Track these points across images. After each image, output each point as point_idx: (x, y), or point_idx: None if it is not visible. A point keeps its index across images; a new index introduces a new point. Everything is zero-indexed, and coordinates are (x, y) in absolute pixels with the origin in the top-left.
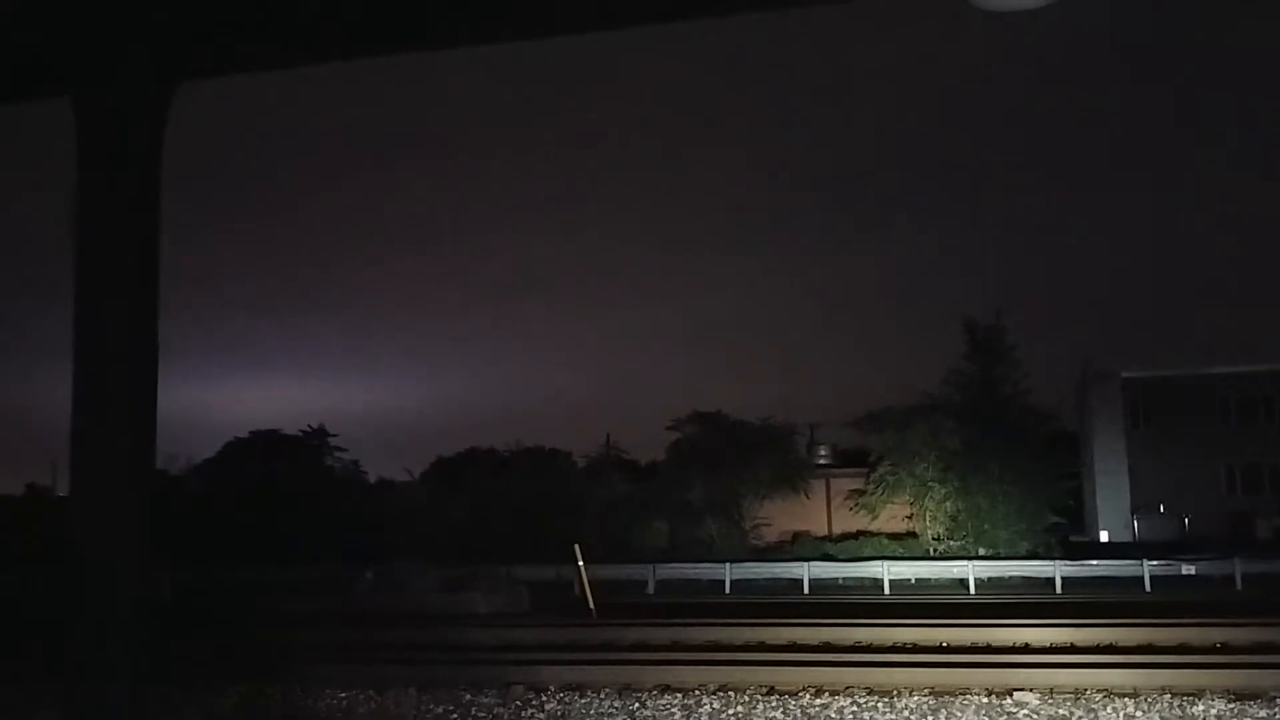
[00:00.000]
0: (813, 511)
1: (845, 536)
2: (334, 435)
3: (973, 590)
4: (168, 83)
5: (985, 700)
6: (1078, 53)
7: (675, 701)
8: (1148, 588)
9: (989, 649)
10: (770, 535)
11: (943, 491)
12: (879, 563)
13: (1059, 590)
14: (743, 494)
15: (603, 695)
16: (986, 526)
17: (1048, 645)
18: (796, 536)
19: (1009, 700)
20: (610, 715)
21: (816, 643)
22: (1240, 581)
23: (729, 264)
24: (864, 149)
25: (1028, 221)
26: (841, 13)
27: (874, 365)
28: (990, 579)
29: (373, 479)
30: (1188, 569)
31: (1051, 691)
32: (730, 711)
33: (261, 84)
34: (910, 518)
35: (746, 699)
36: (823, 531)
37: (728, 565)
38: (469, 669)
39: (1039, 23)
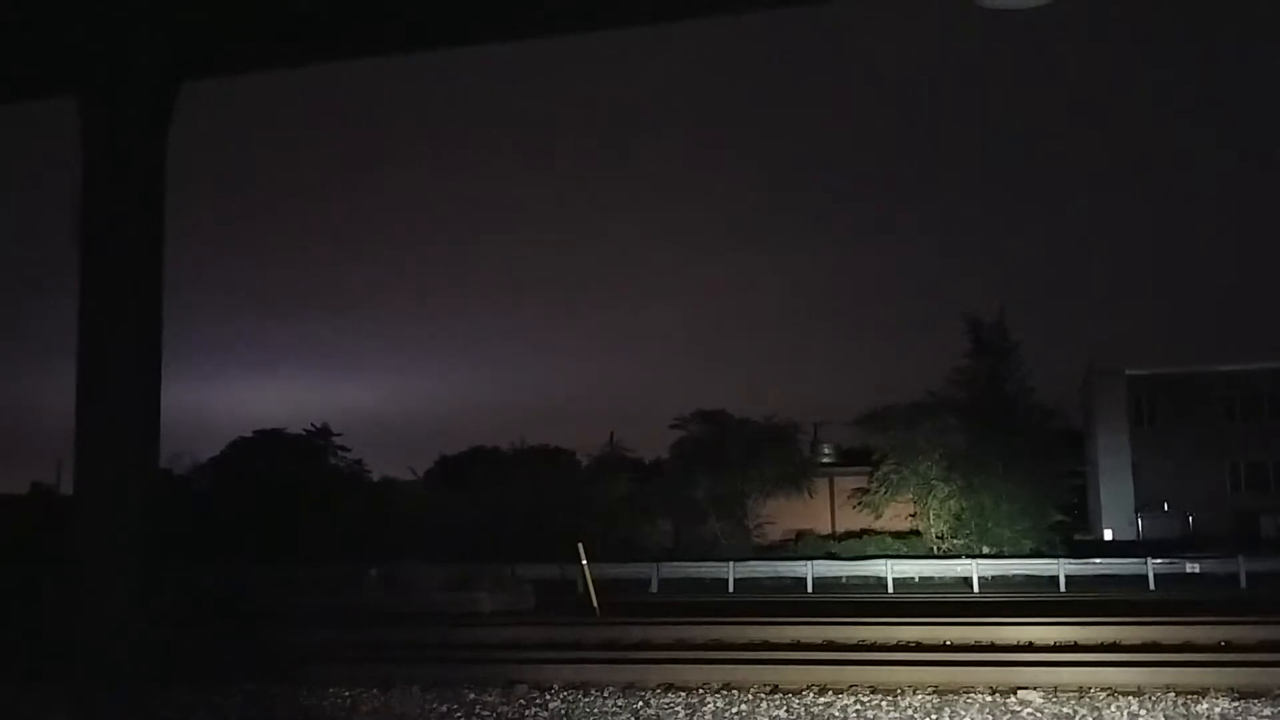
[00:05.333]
0: (816, 510)
1: (849, 535)
2: (338, 434)
3: (976, 589)
4: (171, 83)
5: (989, 699)
6: (1079, 52)
7: (679, 700)
8: (1152, 586)
9: (993, 647)
10: (774, 534)
11: (946, 490)
12: (883, 561)
13: (1063, 589)
14: (746, 493)
15: (606, 694)
16: (990, 525)
17: (1051, 644)
18: (800, 535)
19: (1013, 699)
20: (614, 714)
21: (820, 641)
22: (1245, 580)
23: (732, 262)
24: (866, 147)
25: (1031, 219)
26: (842, 12)
27: (877, 364)
28: (994, 577)
29: (376, 478)
30: (1192, 567)
31: (1055, 690)
32: (734, 710)
33: (263, 84)
34: (914, 516)
35: (750, 698)
36: (826, 530)
37: (731, 564)
38: (473, 668)
39: (1041, 22)
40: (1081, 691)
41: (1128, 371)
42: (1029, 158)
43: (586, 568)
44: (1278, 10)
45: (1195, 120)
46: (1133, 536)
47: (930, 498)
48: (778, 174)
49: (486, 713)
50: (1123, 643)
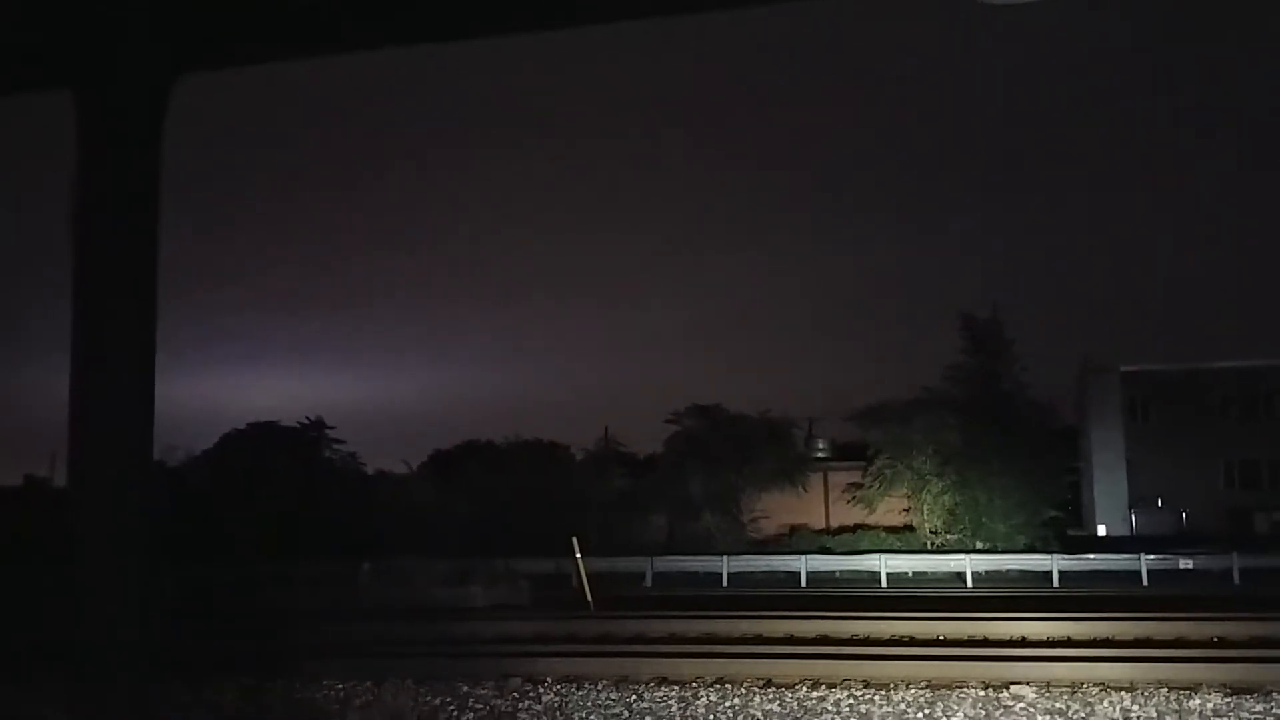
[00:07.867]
0: (810, 505)
1: (843, 530)
2: (332, 427)
3: (970, 584)
4: (168, 77)
5: (982, 693)
6: (1079, 51)
7: (672, 694)
8: (1145, 582)
9: (986, 642)
10: (768, 528)
11: (941, 485)
12: (876, 556)
13: (1056, 584)
14: (741, 487)
15: (600, 687)
16: (984, 520)
17: (1045, 639)
18: (794, 530)
19: (1006, 694)
20: (607, 707)
21: (813, 635)
22: (1238, 576)
23: (728, 259)
24: (866, 146)
25: (1027, 217)
26: (841, 11)
27: (872, 360)
28: (988, 573)
29: (370, 471)
30: (1185, 563)
31: (1048, 685)
32: (727, 704)
33: (262, 80)
34: (908, 511)
35: (743, 691)
36: (820, 525)
37: (725, 558)
38: (467, 661)
39: (1040, 20)
40: (1074, 687)
41: (1122, 368)
42: (1029, 157)
43: (580, 562)
44: (1277, 9)
45: (1194, 118)
46: (1126, 532)
47: (924, 493)
48: (777, 173)
49: (480, 706)
50: (1116, 638)
